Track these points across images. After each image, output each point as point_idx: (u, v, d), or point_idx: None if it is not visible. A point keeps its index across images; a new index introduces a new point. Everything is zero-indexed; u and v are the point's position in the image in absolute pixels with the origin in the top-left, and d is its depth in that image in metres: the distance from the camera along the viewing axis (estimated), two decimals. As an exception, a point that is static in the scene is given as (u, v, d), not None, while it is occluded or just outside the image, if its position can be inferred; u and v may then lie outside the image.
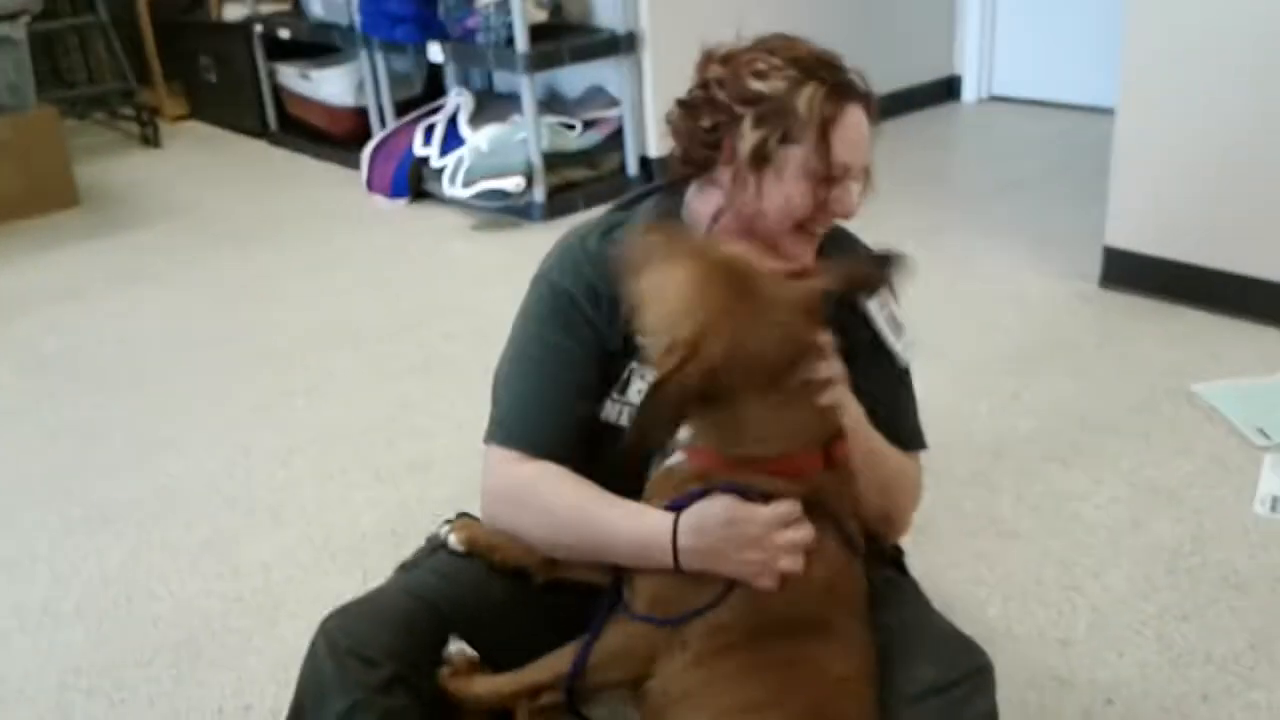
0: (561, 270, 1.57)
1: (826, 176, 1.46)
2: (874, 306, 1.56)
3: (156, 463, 2.66)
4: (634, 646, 1.37)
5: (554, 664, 1.41)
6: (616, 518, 1.42)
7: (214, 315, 3.55)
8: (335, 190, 4.73)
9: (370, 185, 4.61)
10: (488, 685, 1.42)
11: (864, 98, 1.48)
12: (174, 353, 3.28)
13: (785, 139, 1.45)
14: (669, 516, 1.36)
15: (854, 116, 1.46)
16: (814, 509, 1.34)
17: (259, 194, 4.80)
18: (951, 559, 2.11)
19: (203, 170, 5.25)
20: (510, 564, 1.51)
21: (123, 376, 3.14)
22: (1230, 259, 2.96)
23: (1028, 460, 2.41)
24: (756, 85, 1.45)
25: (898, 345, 1.60)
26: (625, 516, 1.41)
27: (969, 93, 5.35)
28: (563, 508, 1.46)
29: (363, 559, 2.21)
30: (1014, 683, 1.78)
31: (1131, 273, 3.14)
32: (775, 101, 1.45)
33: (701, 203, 1.55)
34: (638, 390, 1.54)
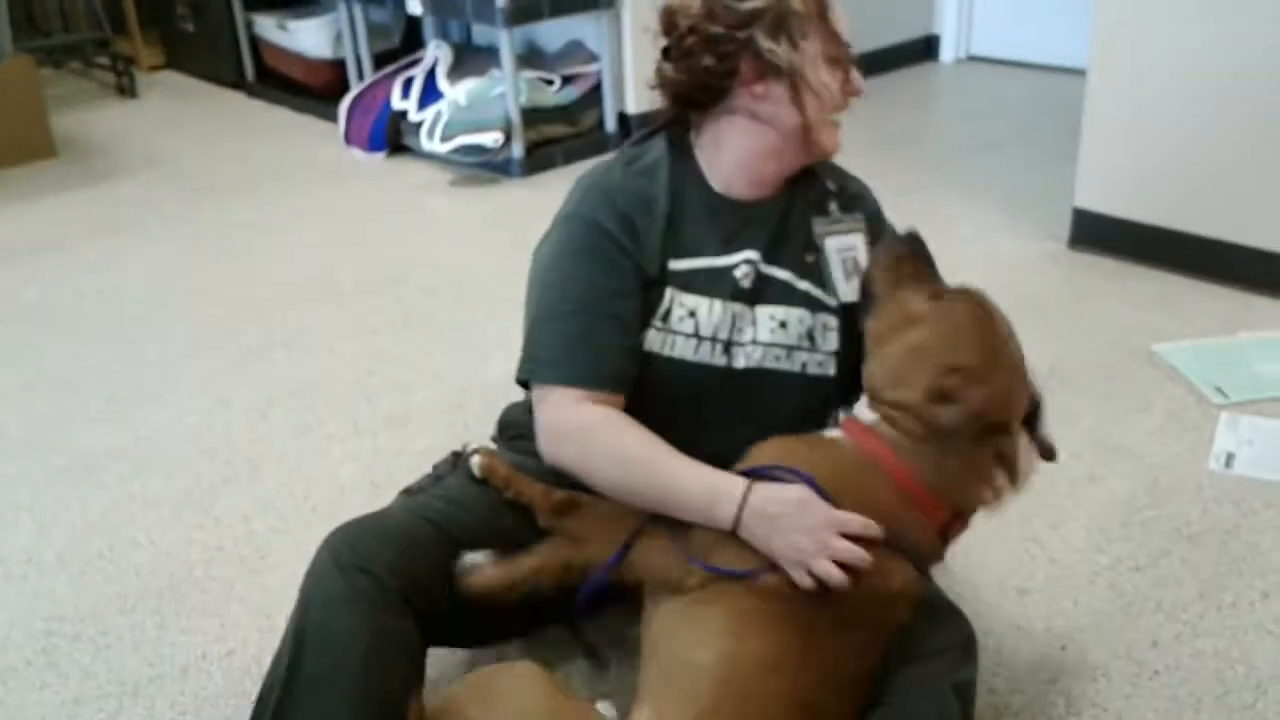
0: (592, 205, 1.59)
1: (839, 57, 1.57)
2: (832, 244, 1.65)
3: (136, 414, 2.69)
4: (666, 565, 1.44)
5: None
6: (687, 470, 1.46)
7: (193, 268, 3.57)
8: (313, 143, 4.73)
9: (348, 138, 4.61)
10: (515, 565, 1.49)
11: None
12: (153, 305, 3.30)
13: (801, 36, 1.54)
14: (741, 479, 1.42)
15: (835, 6, 1.59)
16: (895, 548, 1.40)
17: (237, 146, 4.80)
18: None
19: (180, 122, 5.23)
20: (522, 500, 1.55)
21: (102, 328, 3.17)
22: (1196, 221, 3.02)
23: (992, 417, 2.48)
24: (748, 5, 1.53)
25: (842, 284, 1.65)
26: (695, 471, 1.46)
27: (947, 53, 5.38)
28: (635, 454, 1.49)
29: (343, 510, 2.21)
30: (974, 628, 1.85)
31: (1099, 234, 3.20)
32: (773, 10, 1.53)
33: (727, 144, 1.61)
34: (679, 317, 1.58)
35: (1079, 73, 3.16)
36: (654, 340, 1.58)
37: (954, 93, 5.12)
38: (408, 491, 1.68)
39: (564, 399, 1.53)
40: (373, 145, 4.49)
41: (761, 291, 1.61)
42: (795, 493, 1.40)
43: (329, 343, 3.00)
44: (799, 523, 1.38)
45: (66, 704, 1.83)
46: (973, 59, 5.37)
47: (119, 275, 3.53)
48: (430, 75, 4.51)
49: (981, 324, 1.48)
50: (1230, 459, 2.29)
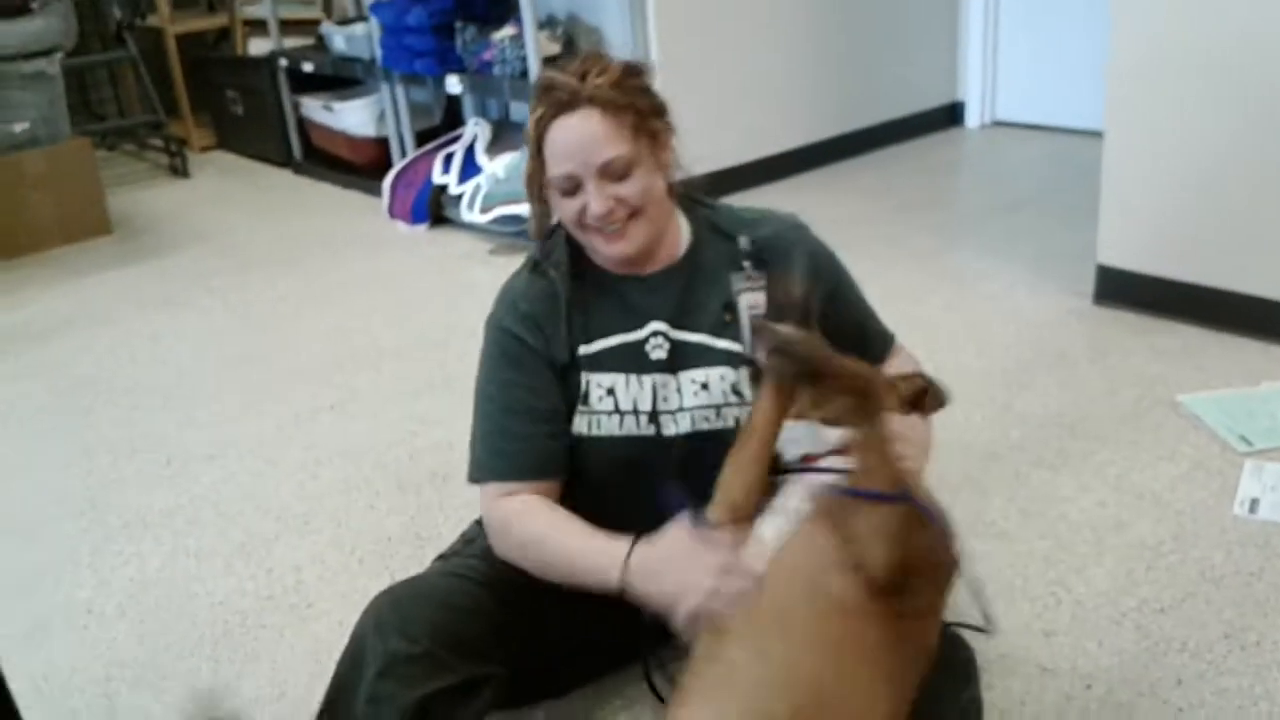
0: (501, 312, 1.72)
1: (563, 188, 1.61)
2: (743, 302, 1.70)
3: (190, 475, 2.80)
4: None
5: None
6: (583, 542, 1.56)
7: (242, 337, 3.71)
8: (358, 217, 4.90)
9: (391, 212, 4.77)
10: None
11: (569, 104, 1.57)
12: (204, 372, 3.43)
13: (534, 167, 1.65)
14: (625, 540, 1.50)
15: (560, 130, 1.58)
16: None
17: (284, 221, 4.97)
18: (943, 558, 2.22)
19: (230, 199, 5.43)
20: None
21: (155, 395, 3.29)
22: (1216, 275, 3.08)
23: (1018, 466, 2.53)
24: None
25: (747, 341, 1.70)
26: (589, 542, 1.55)
27: (972, 119, 5.48)
28: (542, 535, 1.61)
29: (389, 561, 2.34)
30: (997, 671, 1.90)
31: (1123, 289, 3.26)
32: (527, 132, 1.64)
33: None
34: (598, 397, 1.68)
35: (1100, 134, 3.25)
36: (580, 424, 1.69)
37: (979, 157, 5.22)
38: (441, 557, 1.81)
39: (494, 494, 1.67)
40: (415, 218, 4.64)
41: (679, 359, 1.70)
42: (671, 545, 1.44)
43: (374, 406, 3.10)
44: (681, 573, 1.40)
45: (127, 746, 1.91)
46: (998, 124, 5.47)
47: (170, 346, 3.67)
48: (470, 151, 4.67)
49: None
50: (1255, 504, 2.33)
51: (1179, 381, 2.85)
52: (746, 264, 1.73)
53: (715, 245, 1.75)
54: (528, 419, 1.67)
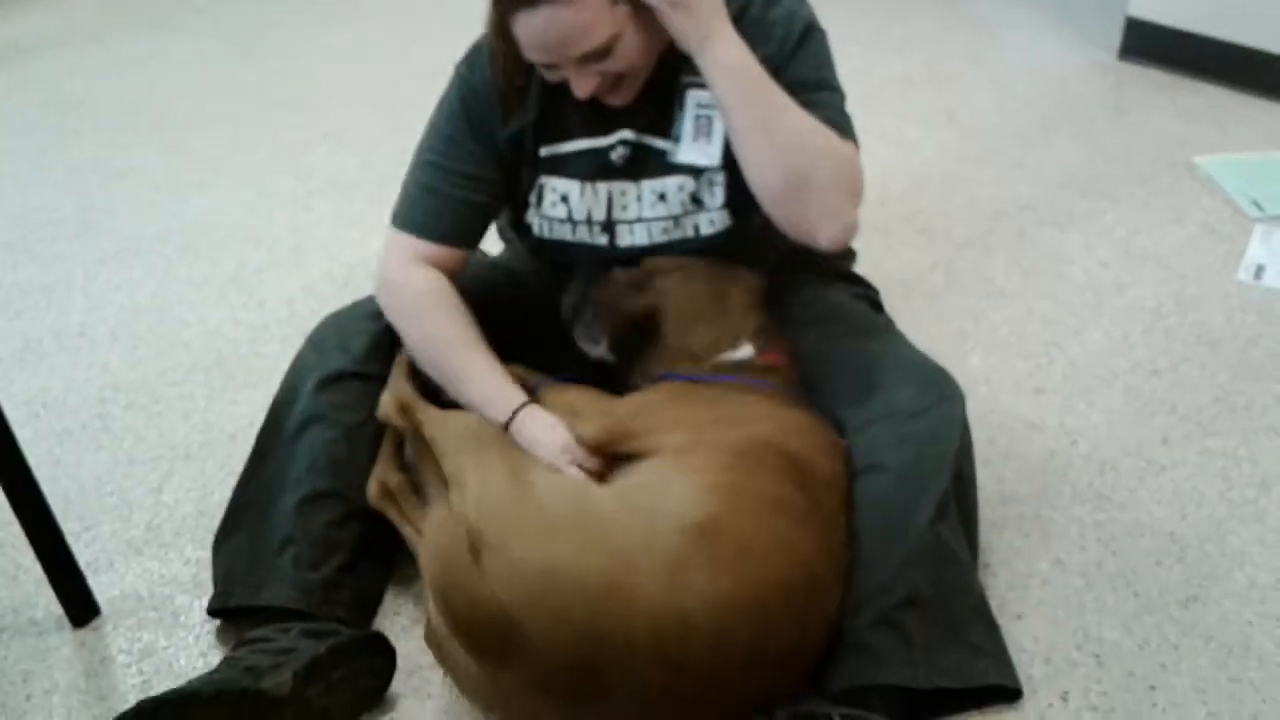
0: (466, 75, 1.59)
1: (542, 66, 1.47)
2: (691, 98, 1.56)
3: (181, 202, 2.76)
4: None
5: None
6: (479, 371, 1.56)
7: (232, 63, 3.58)
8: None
9: (388, -66, 4.52)
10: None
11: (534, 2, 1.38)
12: (195, 99, 3.33)
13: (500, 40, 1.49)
14: (519, 396, 1.52)
15: (526, 26, 1.41)
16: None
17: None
18: (939, 314, 2.21)
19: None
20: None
21: (146, 119, 3.20)
22: (1246, 32, 2.94)
23: (1025, 225, 2.48)
24: None
25: (687, 142, 1.58)
26: (484, 375, 1.55)
27: None
28: (443, 335, 1.57)
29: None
30: (986, 424, 1.91)
31: (1150, 44, 3.12)
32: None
33: None
34: (551, 203, 1.61)
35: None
36: (533, 222, 1.63)
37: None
38: None
39: (403, 248, 1.61)
40: (413, -59, 4.40)
41: (641, 166, 1.59)
42: (546, 430, 1.50)
43: (369, 139, 3.02)
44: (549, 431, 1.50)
45: (121, 464, 1.94)
46: None
47: (161, 68, 3.54)
48: None
49: None
50: (1260, 271, 2.30)
51: (1198, 143, 2.76)
52: None
53: None
54: (462, 182, 1.59)
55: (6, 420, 1.55)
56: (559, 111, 1.57)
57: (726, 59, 1.44)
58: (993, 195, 2.59)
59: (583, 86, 1.47)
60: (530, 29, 1.41)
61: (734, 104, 1.45)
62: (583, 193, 1.60)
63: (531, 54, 1.45)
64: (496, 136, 1.58)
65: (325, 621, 1.52)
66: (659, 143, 1.58)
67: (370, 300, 1.69)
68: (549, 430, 1.51)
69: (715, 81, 1.45)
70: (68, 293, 2.43)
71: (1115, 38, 3.21)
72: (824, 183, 1.46)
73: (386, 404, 1.60)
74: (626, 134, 1.58)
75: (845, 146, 1.50)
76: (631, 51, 1.45)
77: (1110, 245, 2.40)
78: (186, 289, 2.42)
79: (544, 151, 1.60)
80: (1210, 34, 3.01)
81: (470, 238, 1.64)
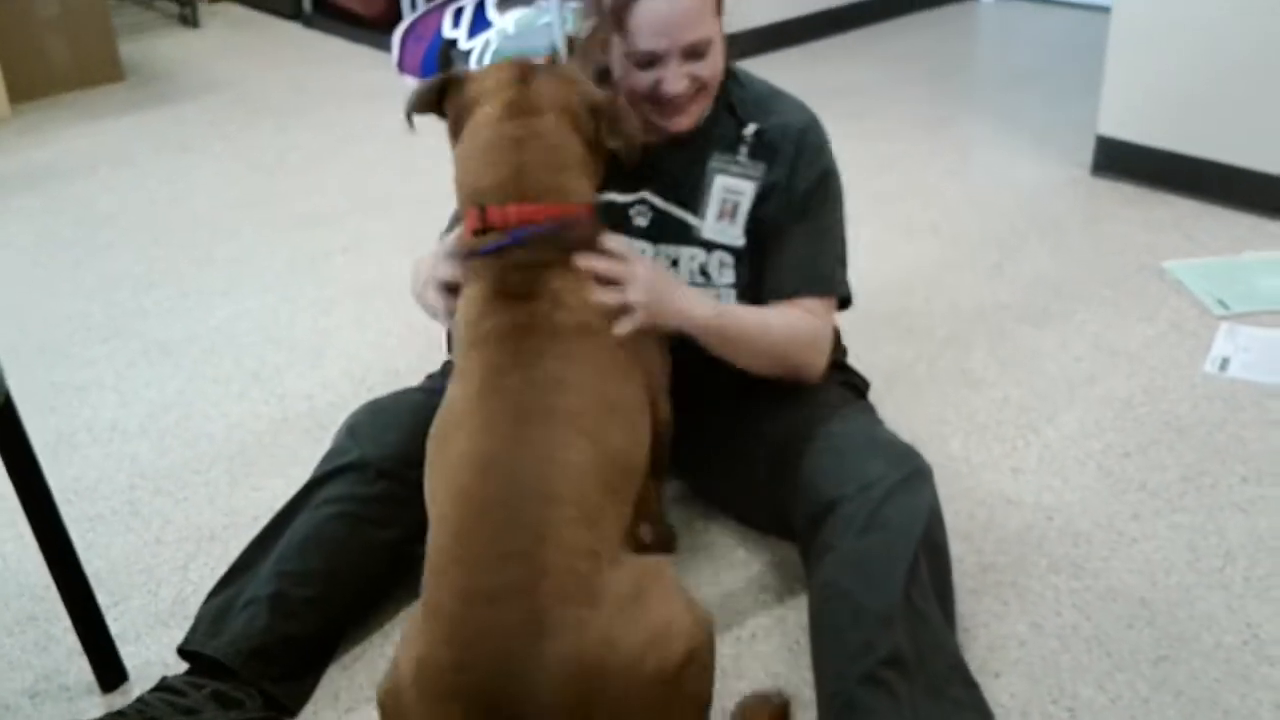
0: None
1: (641, 60, 1.63)
2: (720, 181, 1.76)
3: (208, 308, 2.92)
4: None
5: None
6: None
7: (256, 182, 3.78)
8: (367, 70, 4.92)
9: (401, 66, 4.78)
10: None
11: None
12: (220, 214, 3.52)
13: (608, 30, 1.65)
14: None
15: (650, 7, 1.59)
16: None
17: (295, 73, 4.99)
18: (921, 403, 2.34)
19: (240, 50, 5.44)
20: None
21: (174, 233, 3.39)
22: (1209, 147, 3.14)
23: (1002, 323, 2.63)
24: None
25: (711, 220, 1.76)
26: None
27: (988, -10, 5.45)
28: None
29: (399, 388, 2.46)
30: (966, 500, 2.03)
31: (1120, 160, 3.32)
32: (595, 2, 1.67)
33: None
34: None
35: (1110, 10, 3.27)
36: None
37: (992, 30, 5.20)
38: (430, 377, 1.96)
39: None
40: (425, 72, 4.65)
41: (660, 231, 1.77)
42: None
43: (387, 250, 3.19)
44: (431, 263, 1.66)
45: (149, 544, 2.06)
46: (1014, -2, 5.45)
47: (187, 187, 3.75)
48: (480, 5, 4.66)
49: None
50: (1225, 363, 2.43)
51: (1167, 249, 2.93)
52: (742, 150, 1.76)
53: (724, 125, 1.77)
54: None
55: (52, 498, 1.68)
56: None
57: (696, 321, 1.65)
58: (972, 297, 2.74)
59: (675, 83, 1.63)
60: (653, 12, 1.59)
61: (713, 345, 1.69)
62: None
63: (646, 40, 1.60)
64: None
65: (248, 688, 1.61)
66: (680, 213, 1.77)
67: (411, 393, 1.84)
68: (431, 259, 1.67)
69: (692, 335, 1.66)
70: (99, 391, 2.57)
71: (1087, 155, 3.41)
72: (801, 360, 1.77)
73: None
74: (647, 195, 1.76)
75: (813, 326, 1.76)
76: (716, 63, 1.66)
77: (1083, 341, 2.54)
78: (211, 386, 2.56)
79: None
80: (1176, 150, 3.20)
81: None
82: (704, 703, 1.40)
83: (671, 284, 1.64)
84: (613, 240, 1.57)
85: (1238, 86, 3.03)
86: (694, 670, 1.34)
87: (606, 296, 1.51)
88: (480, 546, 1.30)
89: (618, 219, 1.76)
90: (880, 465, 1.63)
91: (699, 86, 1.66)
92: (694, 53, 1.63)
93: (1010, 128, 3.82)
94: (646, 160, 1.68)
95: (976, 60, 4.91)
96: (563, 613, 1.24)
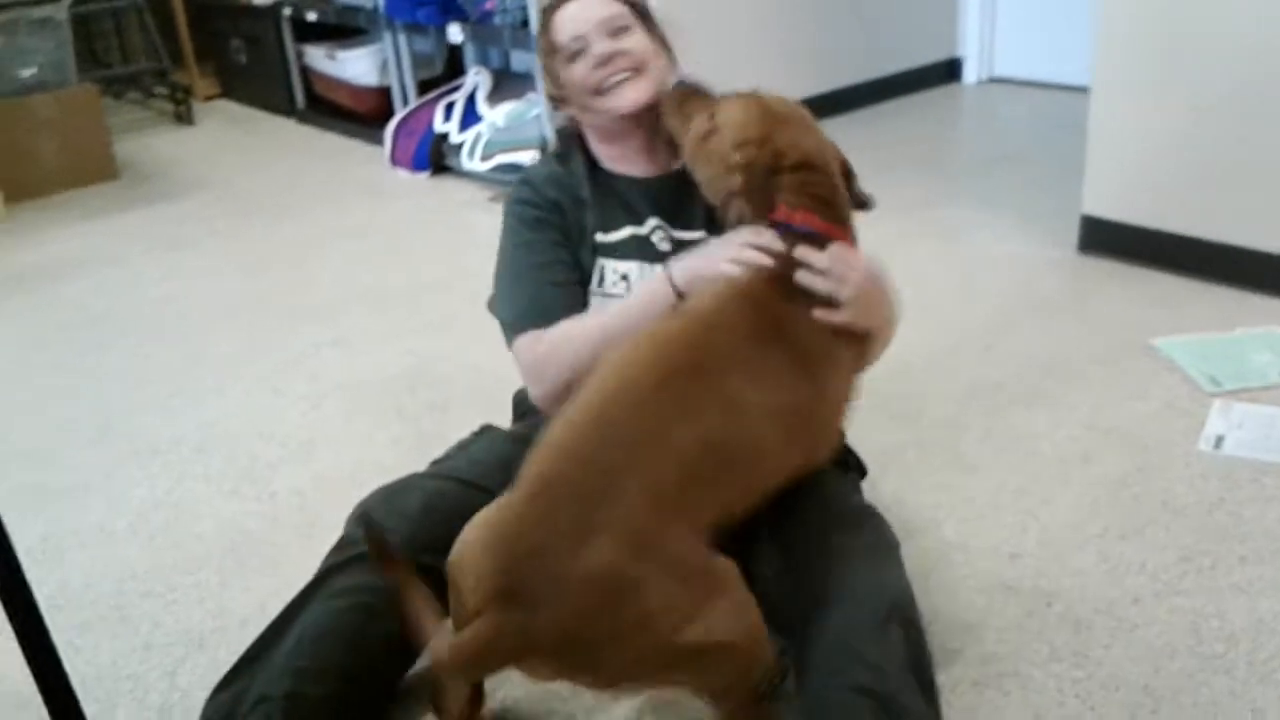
0: (524, 192, 1.88)
1: (571, 54, 1.81)
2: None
3: (198, 405, 2.91)
4: None
5: None
6: (620, 305, 1.74)
7: (248, 279, 3.80)
8: (360, 165, 4.97)
9: (393, 160, 4.84)
10: None
11: None
12: (212, 311, 3.53)
13: (549, 57, 1.86)
14: (653, 276, 1.75)
15: (565, 11, 1.83)
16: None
17: (288, 169, 5.05)
18: (916, 488, 2.33)
19: (234, 147, 5.50)
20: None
21: (165, 331, 3.39)
22: (1195, 224, 3.16)
23: (994, 404, 2.63)
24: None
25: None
26: (625, 301, 1.75)
27: (970, 74, 5.53)
28: (581, 331, 1.74)
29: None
30: (965, 588, 2.01)
31: (1106, 239, 3.35)
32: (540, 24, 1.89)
33: (588, 129, 1.91)
34: (612, 282, 1.82)
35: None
36: (595, 305, 1.83)
37: (975, 112, 5.28)
38: (435, 463, 1.93)
39: (524, 347, 1.79)
40: (417, 165, 4.71)
41: (679, 254, 1.82)
42: (697, 253, 1.72)
43: (376, 343, 3.20)
44: (715, 249, 1.68)
45: (137, 650, 2.02)
46: (995, 80, 5.52)
47: (179, 286, 3.76)
48: (471, 99, 4.73)
49: (750, 106, 1.73)
50: (1220, 441, 2.42)
51: (1156, 326, 2.93)
52: None
53: None
54: (558, 269, 1.82)
55: (36, 605, 1.64)
56: (601, 207, 1.85)
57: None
58: (964, 379, 2.74)
59: (603, 46, 1.78)
60: (567, 12, 1.82)
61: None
62: (641, 272, 1.83)
63: (567, 32, 1.81)
64: (559, 230, 1.84)
65: None
66: (691, 234, 1.86)
67: (421, 478, 1.82)
68: (699, 252, 1.71)
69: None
70: (85, 494, 2.55)
71: (1073, 234, 3.43)
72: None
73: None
74: (656, 222, 1.86)
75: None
76: (644, 44, 1.83)
77: (1076, 421, 2.54)
78: (201, 485, 2.54)
79: (600, 239, 1.84)
80: (1161, 228, 3.23)
81: (572, 311, 1.80)
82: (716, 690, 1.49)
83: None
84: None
85: (1219, 164, 3.06)
86: (720, 661, 1.42)
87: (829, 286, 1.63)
88: (583, 451, 1.44)
89: (645, 247, 1.85)
90: (853, 538, 1.64)
91: (632, 65, 1.79)
92: (611, 27, 1.80)
93: (996, 208, 3.86)
94: (638, 194, 1.87)
95: (961, 142, 4.98)
96: (610, 537, 1.37)
